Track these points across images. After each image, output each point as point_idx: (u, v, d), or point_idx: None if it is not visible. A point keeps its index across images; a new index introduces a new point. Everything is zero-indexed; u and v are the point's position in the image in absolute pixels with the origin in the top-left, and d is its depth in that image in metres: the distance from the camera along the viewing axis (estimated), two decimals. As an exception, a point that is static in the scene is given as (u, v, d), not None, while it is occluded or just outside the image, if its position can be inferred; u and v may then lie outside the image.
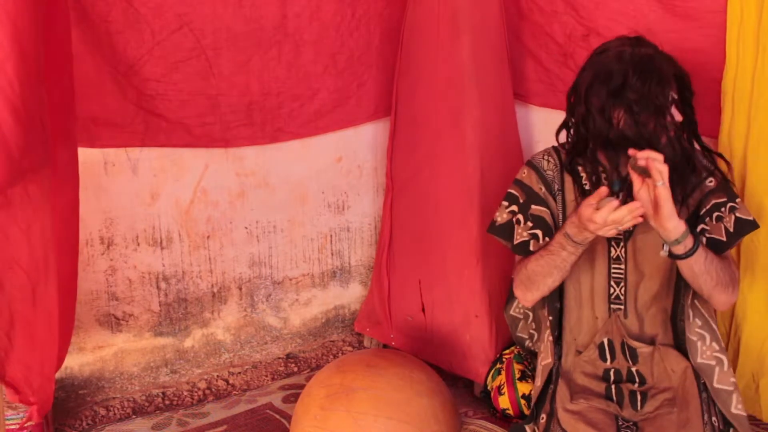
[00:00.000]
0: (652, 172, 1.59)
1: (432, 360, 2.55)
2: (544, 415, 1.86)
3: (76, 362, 2.55)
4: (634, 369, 1.87)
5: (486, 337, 2.52)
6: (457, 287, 2.59)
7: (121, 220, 2.53)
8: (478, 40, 2.52)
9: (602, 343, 1.90)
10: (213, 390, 2.70)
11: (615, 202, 1.60)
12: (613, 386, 1.85)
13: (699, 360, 1.83)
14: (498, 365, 2.47)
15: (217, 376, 2.78)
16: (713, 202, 1.81)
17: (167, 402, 2.60)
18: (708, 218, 1.81)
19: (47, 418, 2.23)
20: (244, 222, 2.79)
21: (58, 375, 2.39)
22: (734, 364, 2.31)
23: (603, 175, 1.83)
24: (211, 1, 2.44)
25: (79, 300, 2.45)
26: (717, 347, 1.84)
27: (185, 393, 2.66)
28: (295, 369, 2.88)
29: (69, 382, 2.54)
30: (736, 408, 1.78)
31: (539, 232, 1.88)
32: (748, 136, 2.18)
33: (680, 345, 1.89)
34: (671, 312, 1.89)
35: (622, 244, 1.87)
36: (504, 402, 2.37)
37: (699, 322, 1.85)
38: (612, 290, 1.89)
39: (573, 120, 1.87)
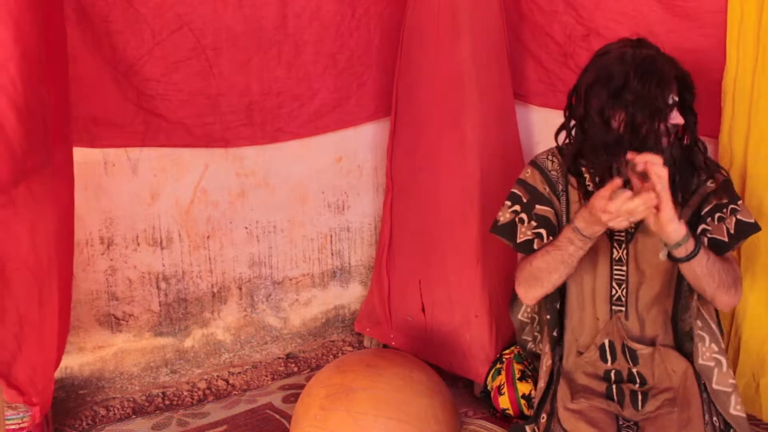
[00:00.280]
0: (651, 175, 1.59)
1: (432, 360, 2.55)
2: (544, 415, 1.86)
3: (76, 362, 2.55)
4: (635, 370, 1.87)
5: (486, 337, 2.52)
6: (457, 287, 2.59)
7: (121, 220, 2.53)
8: (478, 40, 2.52)
9: (603, 345, 1.90)
10: (213, 390, 2.70)
11: (629, 193, 1.58)
12: (614, 386, 1.85)
13: (699, 361, 1.83)
14: (498, 365, 2.47)
15: (217, 376, 2.78)
16: (715, 202, 1.81)
17: (167, 402, 2.60)
18: (709, 218, 1.81)
19: (47, 418, 2.23)
20: (244, 222, 2.79)
21: (57, 375, 2.40)
22: (735, 363, 2.32)
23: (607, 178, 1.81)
24: (211, 1, 2.44)
25: (79, 300, 2.46)
26: (716, 348, 1.83)
27: (185, 393, 2.66)
28: (295, 369, 2.88)
29: (69, 382, 2.54)
30: (734, 409, 1.78)
31: (543, 232, 1.87)
32: (749, 136, 2.18)
33: (680, 346, 1.89)
34: (671, 313, 1.89)
35: (624, 245, 1.86)
36: (504, 402, 2.37)
37: (699, 324, 1.85)
38: (614, 291, 1.89)
39: (573, 121, 1.87)
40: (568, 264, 1.77)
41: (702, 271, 1.69)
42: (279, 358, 2.95)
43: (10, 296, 1.85)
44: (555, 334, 1.96)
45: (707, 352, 1.82)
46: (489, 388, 2.46)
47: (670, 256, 1.70)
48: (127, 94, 2.37)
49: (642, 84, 1.69)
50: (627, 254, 1.86)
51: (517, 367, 2.40)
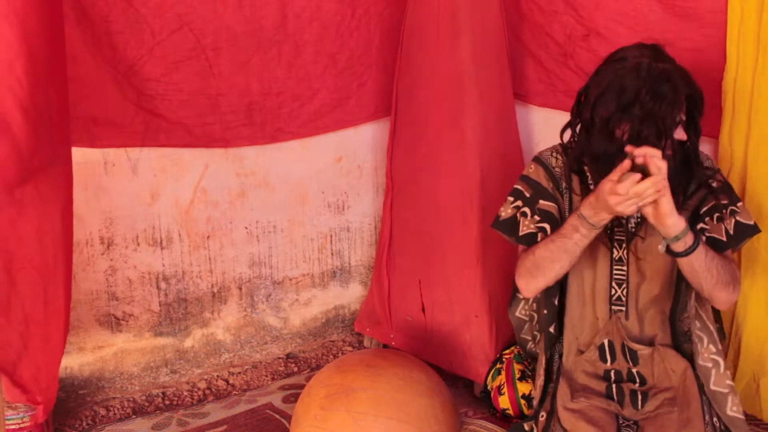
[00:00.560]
0: (650, 168, 1.58)
1: (432, 360, 2.55)
2: (544, 414, 1.86)
3: (76, 362, 2.55)
4: (634, 370, 1.87)
5: (486, 337, 2.52)
6: (457, 287, 2.59)
7: (121, 220, 2.53)
8: (478, 40, 2.52)
9: (602, 345, 1.90)
10: (213, 390, 2.70)
11: (637, 175, 1.58)
12: (613, 385, 1.85)
13: (699, 362, 1.82)
14: (498, 365, 2.47)
15: (217, 376, 2.78)
16: (713, 203, 1.81)
17: (167, 402, 2.60)
18: (708, 218, 1.81)
19: (47, 417, 2.23)
20: (244, 222, 2.79)
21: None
22: (735, 364, 2.32)
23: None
24: (211, 1, 2.44)
25: (79, 300, 2.46)
26: (714, 349, 1.83)
27: (185, 393, 2.66)
28: (295, 369, 2.88)
29: (69, 382, 2.54)
30: (731, 410, 1.77)
31: (547, 226, 1.85)
32: (749, 137, 2.18)
33: (678, 346, 1.89)
34: (670, 313, 1.89)
35: (624, 245, 1.86)
36: (504, 402, 2.37)
37: (698, 324, 1.85)
38: (613, 291, 1.89)
39: (578, 121, 1.86)
40: (572, 253, 1.76)
41: (700, 266, 1.69)
42: (279, 358, 2.95)
43: (16, 295, 1.85)
44: (552, 330, 1.95)
45: (705, 352, 1.82)
46: (489, 388, 2.46)
47: (669, 250, 1.69)
48: (127, 94, 2.37)
49: (653, 102, 1.67)
50: (627, 254, 1.86)
51: (517, 367, 2.40)
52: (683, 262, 1.71)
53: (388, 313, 2.83)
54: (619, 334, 1.89)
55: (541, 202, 1.89)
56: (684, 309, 1.89)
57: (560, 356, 1.95)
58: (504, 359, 2.47)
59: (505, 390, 2.38)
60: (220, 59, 2.51)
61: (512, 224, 1.91)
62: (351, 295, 3.15)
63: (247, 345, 2.90)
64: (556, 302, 1.94)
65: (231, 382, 2.75)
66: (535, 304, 2.05)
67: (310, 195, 2.93)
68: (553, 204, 1.88)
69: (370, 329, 2.96)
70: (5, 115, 1.70)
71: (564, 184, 1.90)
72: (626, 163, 1.59)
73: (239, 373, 2.81)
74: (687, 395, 1.78)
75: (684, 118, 1.74)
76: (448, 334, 2.63)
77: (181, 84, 2.45)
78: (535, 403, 1.93)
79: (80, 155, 2.26)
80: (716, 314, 1.94)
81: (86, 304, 2.52)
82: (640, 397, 1.81)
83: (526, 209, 1.90)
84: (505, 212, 1.94)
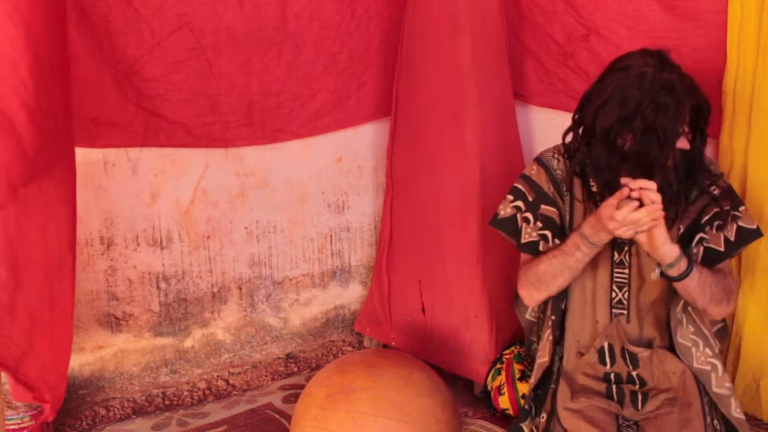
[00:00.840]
0: (644, 202, 1.61)
1: (432, 360, 2.55)
2: (544, 414, 1.86)
3: (76, 362, 2.54)
4: (634, 373, 1.87)
5: (486, 337, 2.52)
6: (457, 287, 2.59)
7: (121, 220, 2.53)
8: (478, 40, 2.52)
9: (602, 348, 1.90)
10: (213, 390, 2.70)
11: (635, 203, 1.61)
12: (614, 386, 1.85)
13: (695, 365, 1.82)
14: (498, 365, 2.47)
15: (217, 376, 2.78)
16: (715, 210, 1.80)
17: (167, 402, 2.60)
18: (708, 227, 1.80)
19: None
20: (244, 222, 2.79)
21: (58, 375, 2.40)
22: (735, 364, 2.31)
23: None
24: (211, 1, 2.44)
25: (79, 300, 2.46)
26: (710, 353, 1.83)
27: (185, 393, 2.66)
28: (295, 369, 2.88)
29: (69, 382, 2.53)
30: (736, 411, 1.78)
31: (549, 233, 1.87)
32: (749, 137, 2.18)
33: (675, 348, 1.89)
34: (666, 317, 1.89)
35: (626, 248, 1.86)
36: (504, 402, 2.38)
37: (692, 329, 1.85)
38: (614, 294, 1.89)
39: (579, 127, 1.85)
40: (574, 269, 1.79)
41: (694, 288, 1.72)
42: (279, 358, 2.95)
43: (21, 293, 1.86)
44: (557, 334, 1.95)
45: (702, 356, 1.82)
46: (489, 388, 2.46)
47: (663, 275, 1.73)
48: (127, 94, 2.37)
49: (655, 114, 1.64)
50: (629, 257, 1.86)
51: (517, 367, 2.40)
52: (677, 285, 1.74)
53: (388, 313, 2.83)
54: (620, 338, 1.88)
55: (542, 207, 1.89)
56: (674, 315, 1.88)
57: (560, 358, 1.95)
58: (504, 359, 2.47)
59: (505, 390, 2.38)
60: (220, 59, 2.51)
61: (511, 224, 1.92)
62: (351, 295, 3.15)
63: (247, 345, 2.90)
64: (563, 307, 1.94)
65: (231, 382, 2.75)
66: (542, 306, 2.03)
67: (310, 195, 2.92)
68: (553, 209, 1.89)
69: (370, 329, 2.96)
70: (9, 115, 1.70)
71: (565, 187, 1.90)
72: (625, 190, 1.62)
73: (239, 373, 2.81)
74: (687, 396, 1.78)
75: (687, 129, 1.72)
76: (448, 334, 2.63)
77: (181, 84, 2.46)
78: (526, 400, 1.93)
79: (80, 155, 2.25)
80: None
81: (86, 304, 2.52)
82: (640, 397, 1.81)
83: (528, 215, 1.90)
84: (504, 211, 1.94)
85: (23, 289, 1.86)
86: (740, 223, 1.79)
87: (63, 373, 2.09)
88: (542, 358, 1.94)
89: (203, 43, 2.46)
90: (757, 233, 1.80)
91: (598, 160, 1.76)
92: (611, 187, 1.75)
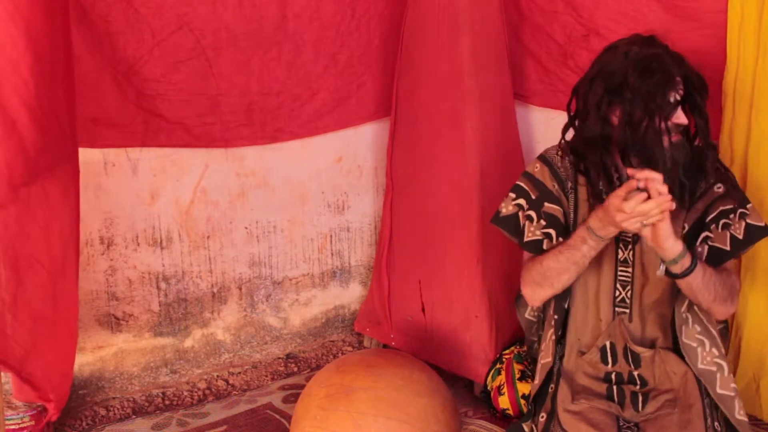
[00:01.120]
0: (651, 192, 1.59)
1: (432, 360, 2.55)
2: (544, 414, 1.85)
3: (76, 362, 2.53)
4: (635, 373, 1.86)
5: (486, 337, 2.52)
6: (457, 287, 2.59)
7: (121, 220, 2.53)
8: (478, 40, 2.52)
9: (604, 347, 1.89)
10: (213, 390, 2.70)
11: (643, 195, 1.59)
12: (614, 387, 1.84)
13: (700, 366, 1.81)
14: (498, 365, 2.47)
15: (217, 376, 2.78)
16: (720, 209, 1.79)
17: (167, 402, 2.60)
18: (713, 225, 1.79)
19: (47, 417, 2.23)
20: (244, 222, 2.79)
21: (57, 375, 2.39)
22: (735, 364, 2.31)
23: (615, 175, 1.80)
24: (211, 1, 2.44)
25: (79, 300, 2.45)
26: (717, 353, 1.82)
27: (185, 393, 2.66)
28: (295, 369, 2.88)
29: (69, 382, 2.55)
30: (739, 414, 1.77)
31: (553, 232, 1.85)
32: (749, 137, 2.18)
33: (679, 349, 1.88)
34: (670, 317, 1.88)
35: (630, 246, 1.85)
36: (504, 402, 2.37)
37: (698, 328, 1.84)
38: (617, 293, 1.88)
39: (574, 115, 1.86)
40: (580, 264, 1.77)
41: (698, 285, 1.70)
42: (279, 358, 2.95)
43: (24, 293, 1.86)
44: (559, 333, 1.94)
45: (708, 356, 1.81)
46: (489, 388, 2.46)
47: (667, 271, 1.71)
48: (127, 94, 2.37)
49: (641, 81, 1.68)
50: (633, 255, 1.85)
51: (517, 367, 2.40)
52: (681, 282, 1.72)
53: (388, 313, 2.83)
54: (622, 337, 1.87)
55: (546, 204, 1.88)
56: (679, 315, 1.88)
57: (561, 358, 1.94)
58: (504, 359, 2.47)
59: (505, 390, 2.38)
60: (220, 59, 2.51)
61: (514, 223, 1.91)
62: (351, 295, 3.15)
63: (247, 345, 2.90)
64: (566, 306, 1.92)
65: (231, 382, 2.75)
66: (544, 305, 2.02)
67: (310, 195, 2.92)
68: (557, 207, 1.88)
69: (370, 329, 2.96)
70: (11, 115, 1.70)
71: (570, 184, 1.89)
72: (633, 182, 1.60)
73: (239, 373, 2.81)
74: (688, 397, 1.77)
75: (679, 98, 1.72)
76: (448, 334, 2.63)
77: (181, 84, 2.46)
78: (530, 401, 1.93)
79: (80, 155, 2.25)
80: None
81: (86, 304, 2.51)
82: (640, 398, 1.80)
83: (532, 213, 1.89)
84: (506, 209, 1.93)
85: (25, 289, 1.86)
86: (749, 221, 1.78)
87: (67, 373, 2.09)
88: (545, 359, 1.93)
89: (203, 43, 2.46)
90: (766, 230, 1.79)
91: (589, 135, 1.76)
92: (605, 169, 1.75)
